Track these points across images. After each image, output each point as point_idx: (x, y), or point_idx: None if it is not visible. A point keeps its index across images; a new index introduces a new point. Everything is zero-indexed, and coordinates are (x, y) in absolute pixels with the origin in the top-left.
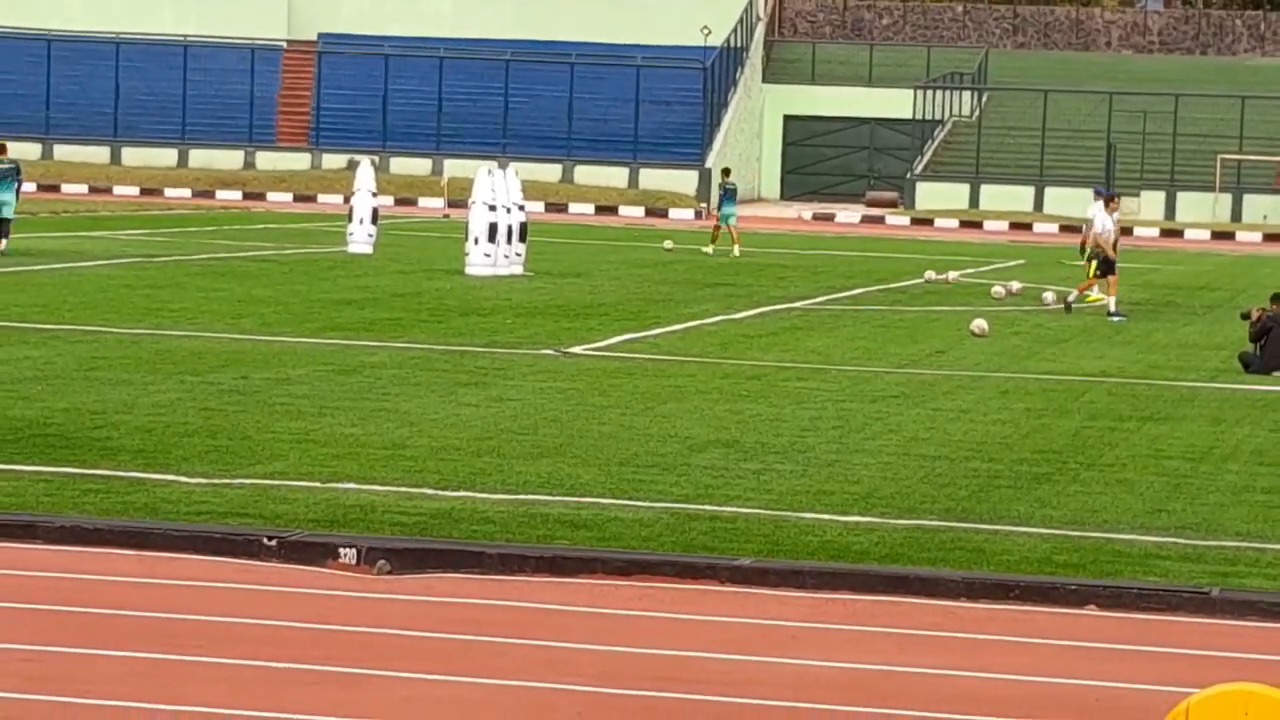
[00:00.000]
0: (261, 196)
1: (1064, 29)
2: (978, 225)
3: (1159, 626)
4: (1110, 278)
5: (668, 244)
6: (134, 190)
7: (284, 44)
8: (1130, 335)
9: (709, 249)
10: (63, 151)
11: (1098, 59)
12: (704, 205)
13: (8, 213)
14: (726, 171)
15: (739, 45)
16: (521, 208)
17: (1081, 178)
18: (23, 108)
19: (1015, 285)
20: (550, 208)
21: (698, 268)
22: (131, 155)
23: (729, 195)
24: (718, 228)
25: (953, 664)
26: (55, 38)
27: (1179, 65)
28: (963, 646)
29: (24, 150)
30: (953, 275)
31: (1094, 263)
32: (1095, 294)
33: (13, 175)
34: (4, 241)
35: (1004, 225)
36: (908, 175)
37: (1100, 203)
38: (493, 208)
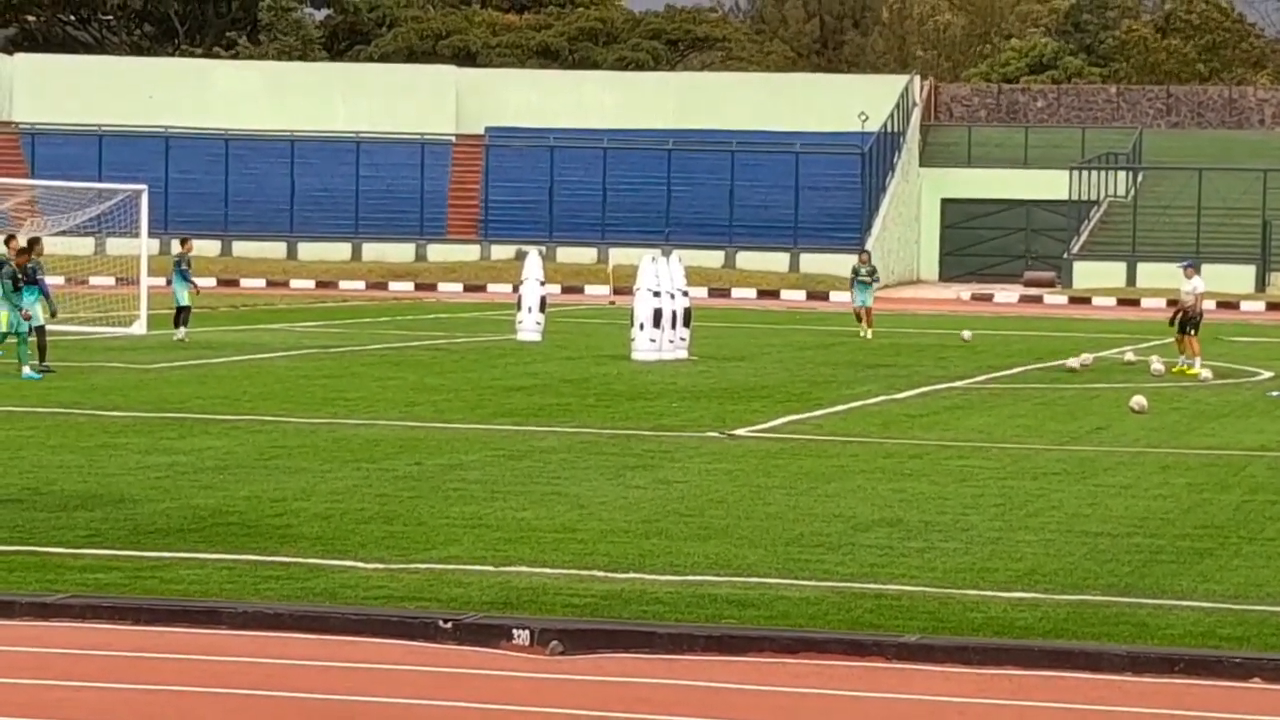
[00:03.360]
0: (433, 287)
1: (1217, 108)
2: (1135, 303)
3: None
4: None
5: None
6: (310, 284)
7: (453, 138)
8: None
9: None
10: (241, 248)
11: (1251, 137)
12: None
13: (184, 300)
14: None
15: (896, 130)
16: (685, 293)
17: (1238, 255)
18: (203, 206)
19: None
20: (713, 293)
21: (859, 349)
22: (307, 250)
23: (862, 283)
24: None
25: None
26: (233, 137)
27: None
28: None
29: (204, 247)
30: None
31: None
32: (1194, 367)
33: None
34: (183, 330)
35: (1161, 303)
36: (1065, 255)
37: (1195, 274)
38: (657, 294)
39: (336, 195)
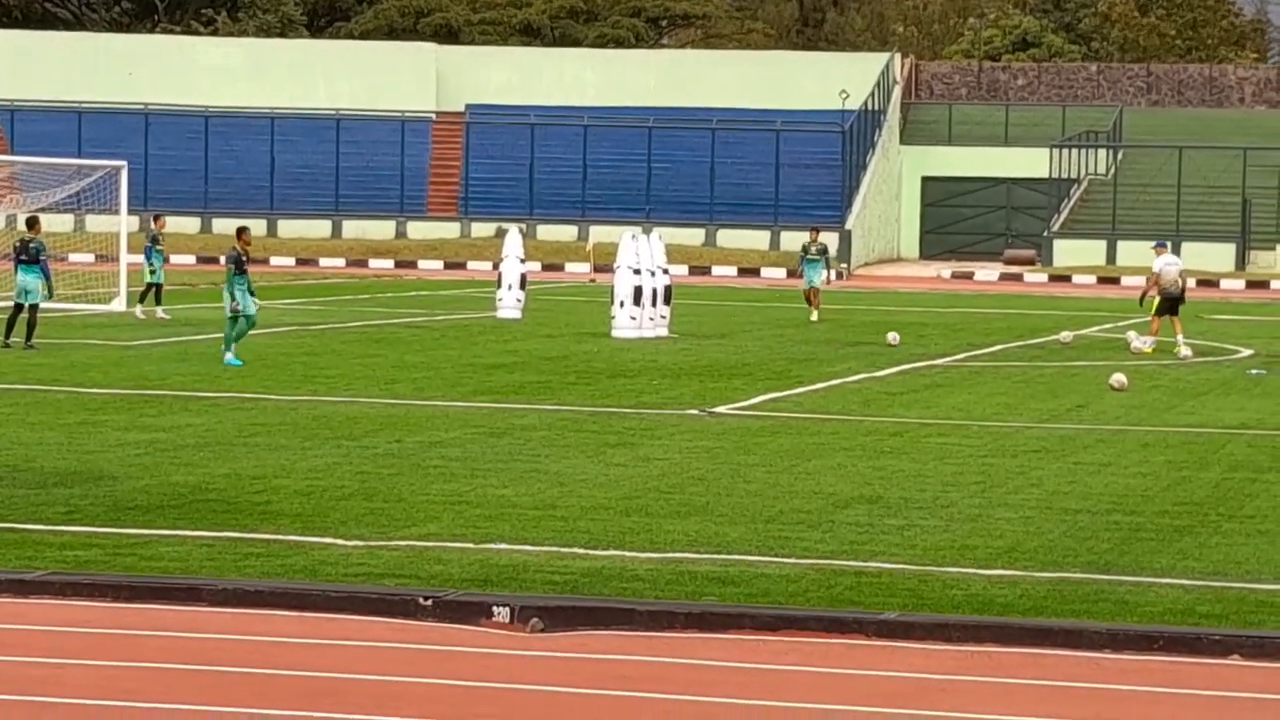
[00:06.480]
0: (413, 265)
1: (1197, 86)
2: (1115, 281)
3: None
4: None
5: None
6: (290, 260)
7: (433, 116)
8: (1269, 387)
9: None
10: (221, 224)
11: (1231, 115)
12: (844, 266)
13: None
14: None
15: (877, 108)
16: (665, 271)
17: (1218, 233)
18: (182, 182)
19: (1150, 340)
20: (694, 271)
21: (839, 327)
22: (287, 227)
23: (812, 261)
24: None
25: (1097, 715)
26: (213, 114)
27: None
28: (1107, 698)
29: (183, 224)
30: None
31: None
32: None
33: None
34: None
35: (1141, 280)
36: (1045, 233)
37: (1165, 252)
38: (637, 271)
39: (317, 172)
